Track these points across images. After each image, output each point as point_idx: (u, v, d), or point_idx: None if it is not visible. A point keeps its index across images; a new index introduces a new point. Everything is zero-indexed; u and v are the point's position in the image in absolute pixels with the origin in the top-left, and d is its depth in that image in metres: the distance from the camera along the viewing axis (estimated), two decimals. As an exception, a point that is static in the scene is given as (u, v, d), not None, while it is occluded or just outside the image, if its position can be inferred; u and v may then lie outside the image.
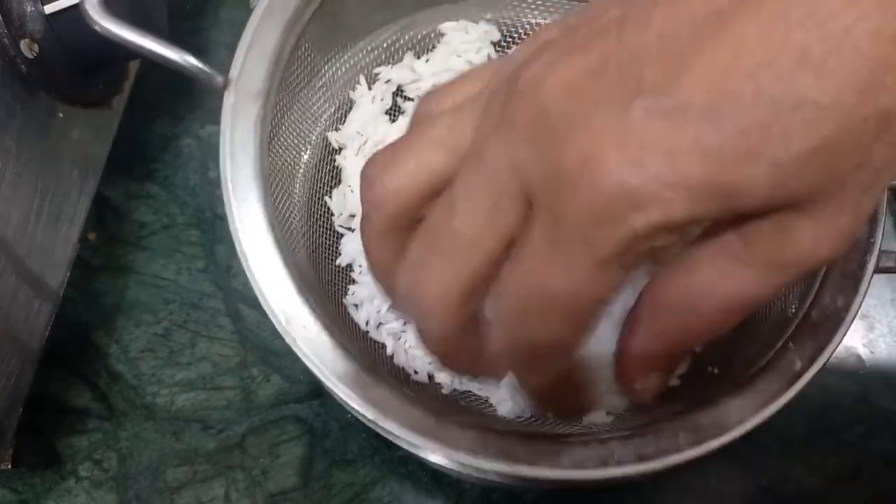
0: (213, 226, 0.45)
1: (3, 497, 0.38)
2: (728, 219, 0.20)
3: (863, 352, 0.43)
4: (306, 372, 0.42)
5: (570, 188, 0.19)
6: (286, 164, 0.34)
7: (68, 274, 0.37)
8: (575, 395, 0.26)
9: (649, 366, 0.24)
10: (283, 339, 0.42)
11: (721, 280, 0.21)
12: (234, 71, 0.31)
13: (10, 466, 0.36)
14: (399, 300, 0.24)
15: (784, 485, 0.40)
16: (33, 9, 0.32)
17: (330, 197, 0.36)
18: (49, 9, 0.32)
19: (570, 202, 0.19)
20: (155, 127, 0.47)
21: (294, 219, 0.34)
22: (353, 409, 0.27)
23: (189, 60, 0.30)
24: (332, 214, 0.36)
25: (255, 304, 0.43)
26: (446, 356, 0.26)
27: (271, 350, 0.42)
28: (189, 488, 0.39)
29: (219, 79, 0.30)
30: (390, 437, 0.27)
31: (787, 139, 0.18)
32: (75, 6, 0.32)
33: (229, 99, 0.30)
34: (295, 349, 0.27)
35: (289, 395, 0.41)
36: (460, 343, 0.24)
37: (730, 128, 0.18)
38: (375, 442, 0.40)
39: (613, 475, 0.25)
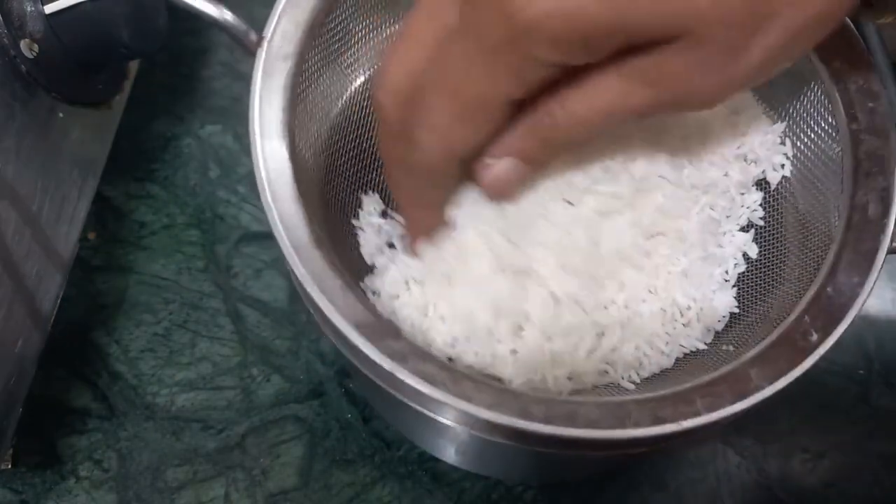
0: (213, 226, 0.45)
1: (3, 497, 0.38)
2: (618, 44, 0.23)
3: (864, 348, 0.43)
4: (306, 372, 0.42)
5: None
6: (313, 126, 0.34)
7: (68, 274, 0.37)
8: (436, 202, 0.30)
9: (509, 149, 0.27)
10: (283, 339, 0.42)
11: (594, 88, 0.25)
12: (267, 30, 0.31)
13: (10, 466, 0.36)
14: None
15: (784, 484, 0.40)
16: (33, 9, 0.32)
17: (365, 193, 0.36)
18: (49, 9, 0.33)
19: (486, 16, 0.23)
20: (155, 127, 0.47)
21: (314, 191, 0.34)
22: (369, 360, 0.26)
23: (225, 16, 0.30)
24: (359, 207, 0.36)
25: (255, 303, 0.43)
26: (390, 158, 0.29)
27: (271, 350, 0.42)
28: (189, 488, 0.39)
29: (253, 36, 0.30)
30: (400, 394, 0.27)
31: None
32: (75, 6, 0.33)
33: (261, 57, 0.30)
34: (314, 295, 0.27)
35: (289, 395, 0.41)
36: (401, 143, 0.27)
37: None
38: (375, 442, 0.40)
39: (630, 436, 0.25)
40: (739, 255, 0.35)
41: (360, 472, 0.39)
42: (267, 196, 0.29)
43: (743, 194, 0.35)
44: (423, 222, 0.31)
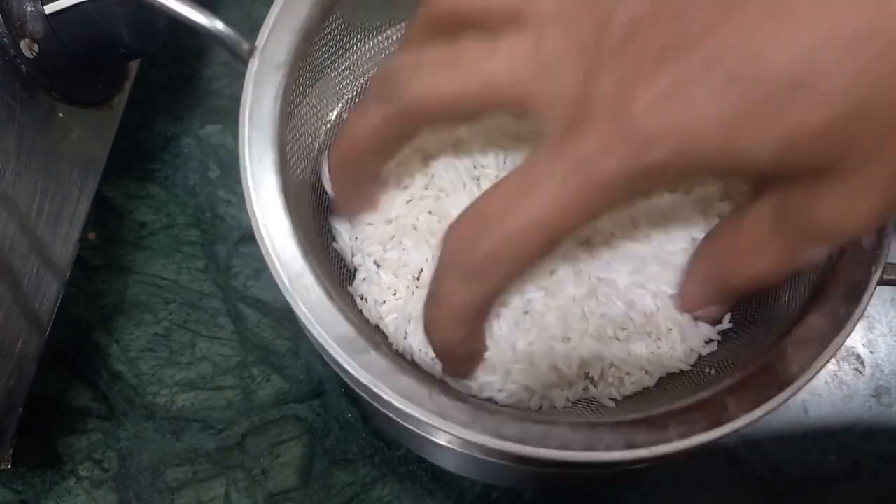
0: (213, 226, 0.45)
1: (3, 497, 0.38)
2: (741, 175, 0.22)
3: (862, 352, 0.43)
4: (306, 372, 0.42)
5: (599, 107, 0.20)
6: (304, 137, 0.34)
7: (68, 274, 0.37)
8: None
9: (704, 302, 0.28)
10: (283, 339, 0.42)
11: (757, 247, 0.24)
12: (260, 39, 0.31)
13: (10, 466, 0.36)
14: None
15: (783, 484, 0.40)
16: (33, 9, 0.32)
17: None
18: (49, 9, 0.32)
19: (594, 123, 0.20)
20: (155, 127, 0.47)
21: (303, 197, 0.34)
22: (347, 373, 0.27)
23: (217, 25, 0.30)
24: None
25: (255, 303, 0.43)
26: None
27: (271, 350, 0.42)
28: (189, 488, 0.39)
29: (245, 45, 0.30)
30: (381, 406, 0.27)
31: (798, 113, 0.18)
32: (75, 6, 0.33)
33: (253, 66, 0.30)
34: (295, 308, 0.27)
35: (289, 395, 0.41)
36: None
37: (747, 93, 0.19)
38: (375, 442, 0.40)
39: (601, 459, 0.25)
40: None
41: (360, 472, 0.39)
42: (253, 204, 0.29)
43: None
44: None
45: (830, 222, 0.22)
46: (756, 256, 0.25)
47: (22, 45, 0.32)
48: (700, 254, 0.28)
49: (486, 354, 0.31)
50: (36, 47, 0.33)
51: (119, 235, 0.44)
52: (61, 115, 0.35)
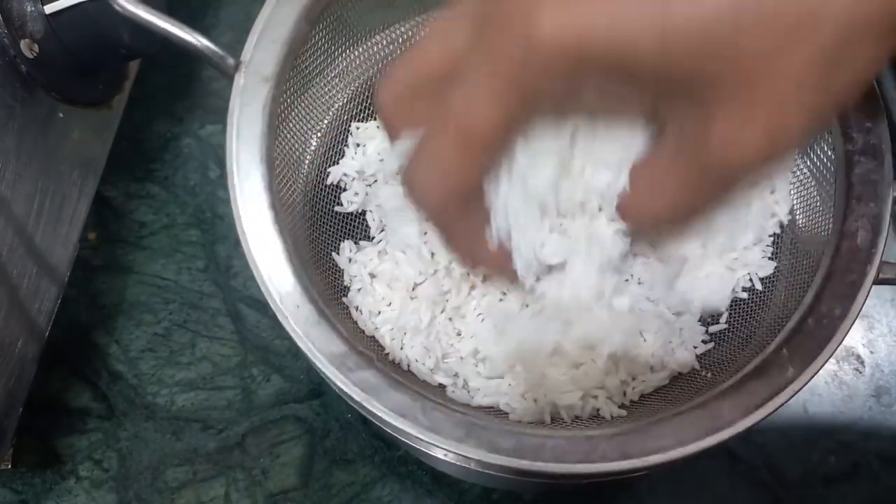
0: (213, 226, 0.45)
1: (3, 497, 0.38)
2: (630, 72, 0.22)
3: (863, 352, 0.43)
4: (306, 372, 0.42)
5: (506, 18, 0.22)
6: (294, 149, 0.34)
7: (68, 274, 0.37)
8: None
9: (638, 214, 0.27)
10: (283, 339, 0.42)
11: (661, 182, 0.25)
12: (245, 54, 0.31)
13: (10, 466, 0.36)
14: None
15: (783, 484, 0.40)
16: (33, 9, 0.32)
17: (340, 205, 0.36)
18: (49, 9, 0.32)
19: (500, 27, 0.22)
20: (155, 127, 0.47)
21: (297, 206, 0.34)
22: (341, 389, 0.27)
23: (202, 41, 0.30)
24: (339, 203, 0.36)
25: (255, 304, 0.43)
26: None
27: (271, 350, 0.42)
28: (189, 488, 0.39)
29: (230, 61, 0.30)
30: (377, 421, 0.27)
31: (672, 11, 0.20)
32: (75, 6, 0.33)
33: (239, 81, 0.30)
34: (286, 326, 0.27)
35: (289, 395, 0.41)
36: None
37: None
38: (375, 442, 0.40)
39: (596, 471, 0.25)
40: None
41: (360, 472, 0.39)
42: (242, 224, 0.29)
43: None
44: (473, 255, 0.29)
45: (722, 148, 0.22)
46: (659, 192, 0.25)
47: (22, 45, 0.32)
48: (630, 181, 0.28)
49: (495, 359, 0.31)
50: (36, 47, 0.33)
51: (119, 235, 0.44)
52: (61, 115, 0.35)
